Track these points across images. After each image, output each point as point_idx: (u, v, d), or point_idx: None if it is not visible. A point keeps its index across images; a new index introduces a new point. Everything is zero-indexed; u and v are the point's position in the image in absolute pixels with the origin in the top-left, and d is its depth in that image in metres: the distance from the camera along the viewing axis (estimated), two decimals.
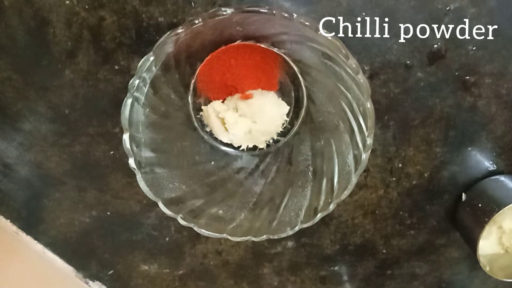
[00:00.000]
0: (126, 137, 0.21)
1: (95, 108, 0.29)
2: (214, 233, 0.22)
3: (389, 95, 0.30)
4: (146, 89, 0.22)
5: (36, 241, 0.33)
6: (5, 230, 0.33)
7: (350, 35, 0.28)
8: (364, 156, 0.22)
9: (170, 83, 0.25)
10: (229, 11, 0.20)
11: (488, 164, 0.33)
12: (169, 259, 0.35)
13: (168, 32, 0.20)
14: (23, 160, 0.31)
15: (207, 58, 0.27)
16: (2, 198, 0.32)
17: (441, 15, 0.28)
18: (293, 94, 0.28)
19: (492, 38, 0.29)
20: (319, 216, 0.23)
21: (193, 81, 0.27)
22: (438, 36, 0.29)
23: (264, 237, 0.23)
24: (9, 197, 0.32)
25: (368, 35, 0.28)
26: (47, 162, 0.31)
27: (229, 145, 0.28)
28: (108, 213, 0.33)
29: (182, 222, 0.22)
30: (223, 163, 0.28)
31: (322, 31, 0.20)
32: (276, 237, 0.23)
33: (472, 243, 0.32)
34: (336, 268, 0.36)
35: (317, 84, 0.27)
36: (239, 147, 0.28)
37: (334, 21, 0.28)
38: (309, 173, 0.26)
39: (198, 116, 0.28)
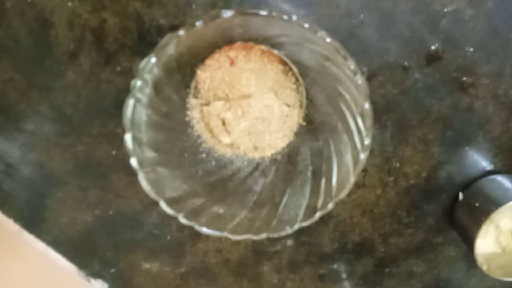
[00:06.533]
0: (128, 137, 0.21)
1: (97, 109, 0.29)
2: (215, 232, 0.23)
3: (387, 96, 0.30)
4: (148, 90, 0.22)
5: (38, 240, 0.34)
6: (8, 229, 0.33)
7: (348, 36, 0.28)
8: (363, 156, 0.22)
9: (171, 84, 0.25)
10: (230, 13, 0.20)
11: (485, 164, 0.34)
12: (170, 257, 0.35)
13: (169, 34, 0.20)
14: (26, 160, 0.31)
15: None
16: (5, 197, 0.32)
17: (438, 16, 0.29)
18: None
19: (489, 39, 0.29)
20: (318, 215, 0.23)
21: (193, 82, 0.27)
22: (435, 37, 0.29)
23: (264, 235, 0.23)
24: (11, 196, 0.32)
25: (366, 36, 0.29)
26: (49, 162, 0.31)
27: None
28: (110, 212, 0.33)
29: (183, 221, 0.22)
30: (224, 163, 0.28)
31: (321, 33, 0.20)
32: (275, 235, 0.23)
33: (469, 242, 0.32)
34: (335, 266, 0.36)
35: (316, 85, 0.27)
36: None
37: (333, 23, 0.28)
38: (308, 172, 0.27)
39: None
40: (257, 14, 0.20)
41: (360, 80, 0.21)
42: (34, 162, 0.31)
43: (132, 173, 0.21)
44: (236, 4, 0.27)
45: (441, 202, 0.35)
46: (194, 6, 0.27)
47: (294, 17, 0.20)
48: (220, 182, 0.27)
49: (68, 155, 0.31)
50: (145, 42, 0.28)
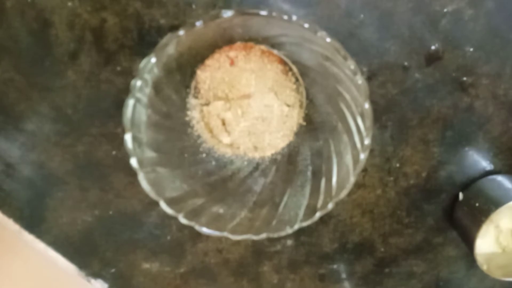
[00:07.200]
0: (128, 137, 0.21)
1: (97, 109, 0.29)
2: (215, 232, 0.23)
3: (387, 96, 0.31)
4: (148, 90, 0.22)
5: (38, 240, 0.34)
6: (8, 229, 0.33)
7: (348, 36, 0.28)
8: (362, 156, 0.22)
9: (171, 84, 0.25)
10: (230, 13, 0.20)
11: (485, 164, 0.34)
12: (170, 257, 0.35)
13: (169, 34, 0.20)
14: (26, 160, 0.31)
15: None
16: (5, 197, 0.32)
17: (438, 16, 0.29)
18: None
19: (489, 39, 0.29)
20: (318, 215, 0.23)
21: (193, 82, 0.28)
22: (435, 37, 0.29)
23: (264, 235, 0.23)
24: (11, 196, 0.32)
25: (366, 36, 0.29)
26: (49, 162, 0.31)
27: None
28: (110, 212, 0.33)
29: (183, 221, 0.22)
30: (224, 163, 0.28)
31: (321, 33, 0.20)
32: (275, 235, 0.23)
33: (469, 242, 0.32)
34: (334, 266, 0.36)
35: (316, 85, 0.27)
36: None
37: (333, 23, 0.28)
38: (308, 172, 0.27)
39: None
40: (257, 14, 0.20)
41: (360, 80, 0.21)
42: (34, 162, 0.31)
43: (132, 173, 0.21)
44: (236, 4, 0.27)
45: (441, 202, 0.35)
46: (194, 6, 0.27)
47: (294, 17, 0.20)
48: (220, 182, 0.27)
49: (68, 155, 0.31)
50: (145, 42, 0.28)
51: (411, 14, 0.28)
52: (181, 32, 0.20)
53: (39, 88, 0.29)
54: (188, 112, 0.28)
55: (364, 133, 0.22)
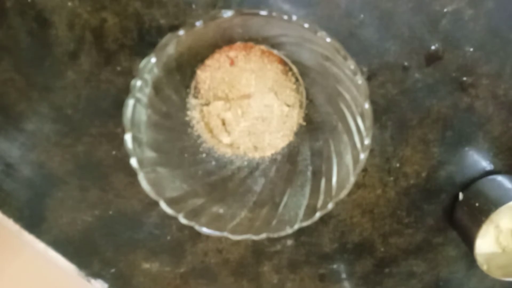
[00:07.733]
0: (128, 137, 0.21)
1: (97, 109, 0.29)
2: (215, 232, 0.23)
3: (387, 96, 0.31)
4: (148, 90, 0.22)
5: (38, 240, 0.34)
6: (8, 229, 0.33)
7: (348, 36, 0.28)
8: (362, 156, 0.22)
9: (171, 84, 0.25)
10: (230, 13, 0.20)
11: (485, 164, 0.34)
12: (170, 257, 0.35)
13: (169, 34, 0.20)
14: (26, 160, 0.31)
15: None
16: (5, 197, 0.32)
17: (438, 16, 0.29)
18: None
19: (489, 39, 0.29)
20: (318, 215, 0.23)
21: (193, 82, 0.28)
22: (435, 37, 0.29)
23: (264, 235, 0.23)
24: (11, 196, 0.32)
25: (366, 36, 0.29)
26: (49, 162, 0.31)
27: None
28: (110, 212, 0.33)
29: (183, 221, 0.22)
30: (224, 162, 0.28)
31: (321, 33, 0.20)
32: (275, 235, 0.23)
33: (469, 242, 0.32)
34: (334, 266, 0.36)
35: (316, 85, 0.27)
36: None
37: (333, 23, 0.28)
38: (308, 172, 0.27)
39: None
40: (257, 14, 0.20)
41: (360, 80, 0.21)
42: (34, 162, 0.31)
43: (132, 173, 0.21)
44: (236, 4, 0.27)
45: (441, 202, 0.35)
46: (194, 6, 0.27)
47: (294, 17, 0.20)
48: (220, 182, 0.27)
49: (68, 155, 0.31)
50: (145, 42, 0.28)
51: (411, 14, 0.28)
52: (181, 32, 0.20)
53: (39, 88, 0.29)
54: (188, 112, 0.28)
55: (364, 133, 0.22)
